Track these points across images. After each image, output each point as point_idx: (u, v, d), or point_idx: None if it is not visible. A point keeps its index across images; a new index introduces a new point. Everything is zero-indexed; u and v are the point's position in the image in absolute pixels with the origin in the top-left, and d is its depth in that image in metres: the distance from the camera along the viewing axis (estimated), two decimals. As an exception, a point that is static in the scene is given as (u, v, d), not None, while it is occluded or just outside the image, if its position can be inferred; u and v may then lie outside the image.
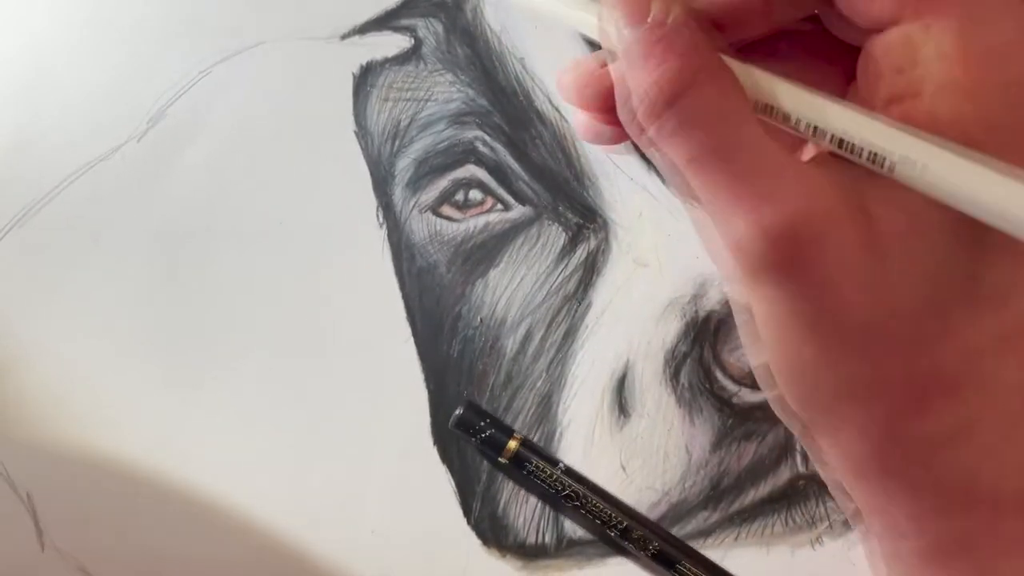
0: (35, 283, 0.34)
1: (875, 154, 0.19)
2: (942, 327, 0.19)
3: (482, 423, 0.31)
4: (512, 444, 0.30)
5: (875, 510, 0.22)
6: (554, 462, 0.31)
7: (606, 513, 0.30)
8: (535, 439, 0.31)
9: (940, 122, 0.19)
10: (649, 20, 0.21)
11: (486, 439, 0.31)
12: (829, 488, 0.24)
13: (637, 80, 0.21)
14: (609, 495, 0.31)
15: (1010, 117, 0.19)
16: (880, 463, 0.21)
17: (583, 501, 0.30)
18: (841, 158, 0.20)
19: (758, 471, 0.31)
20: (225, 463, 0.32)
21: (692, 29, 0.21)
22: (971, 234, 0.19)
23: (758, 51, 0.23)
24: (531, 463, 0.30)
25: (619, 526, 0.30)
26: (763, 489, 0.31)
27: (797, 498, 0.31)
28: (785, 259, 0.19)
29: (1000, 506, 0.20)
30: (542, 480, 0.30)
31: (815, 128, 0.20)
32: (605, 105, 0.25)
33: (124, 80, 0.35)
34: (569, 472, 0.31)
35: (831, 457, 0.22)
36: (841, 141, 0.20)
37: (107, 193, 0.34)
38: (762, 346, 0.21)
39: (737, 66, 0.21)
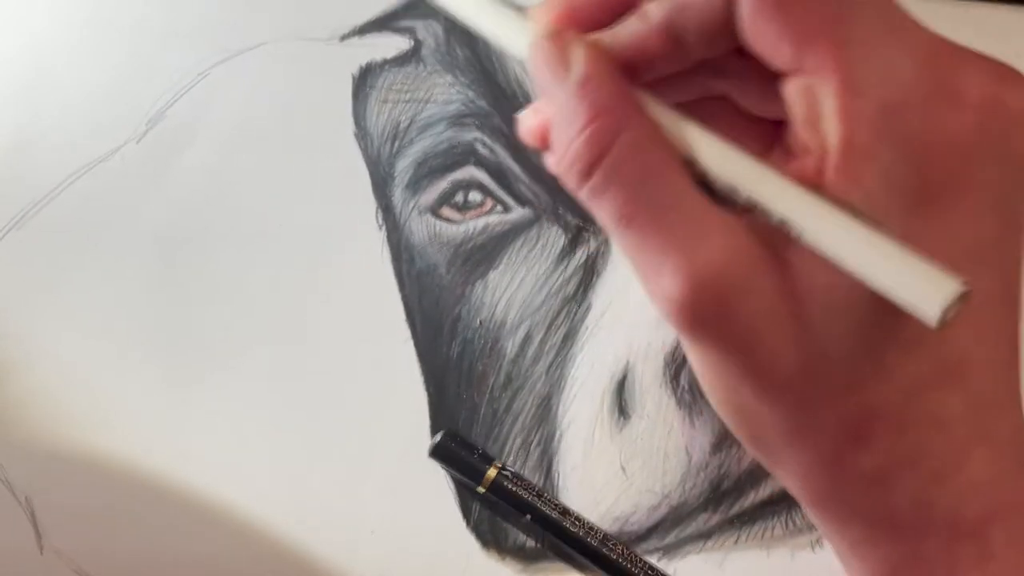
0: (35, 283, 0.34)
1: (783, 220, 0.19)
2: (875, 368, 0.19)
3: (462, 452, 0.31)
4: (491, 472, 0.30)
5: (830, 534, 0.22)
6: (532, 491, 0.31)
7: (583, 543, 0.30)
8: (534, 441, 0.31)
9: (847, 182, 0.19)
10: (568, 75, 0.21)
11: (465, 467, 0.31)
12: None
13: (561, 141, 0.21)
14: (583, 525, 0.30)
15: (913, 176, 0.19)
16: (830, 496, 0.21)
17: (559, 531, 0.30)
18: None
19: (758, 474, 0.31)
20: (225, 464, 0.32)
21: (609, 81, 0.21)
22: None
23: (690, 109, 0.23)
24: (509, 493, 0.30)
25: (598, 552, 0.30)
26: (763, 491, 0.31)
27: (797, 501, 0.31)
28: (709, 313, 0.19)
29: (956, 529, 0.20)
30: (520, 508, 0.30)
31: (731, 187, 0.20)
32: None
33: (124, 81, 0.35)
34: (547, 502, 0.30)
35: (787, 485, 0.22)
36: (752, 203, 0.19)
37: (106, 194, 0.34)
38: (708, 395, 0.22)
39: (662, 113, 0.20)
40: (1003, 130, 0.20)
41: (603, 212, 0.20)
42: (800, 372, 0.20)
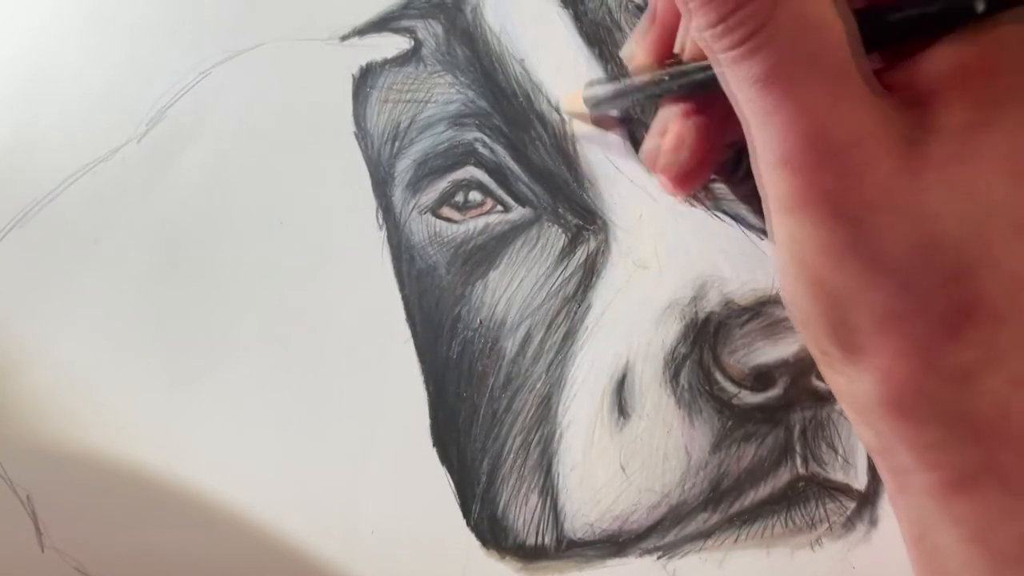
0: (35, 283, 0.34)
1: None
2: (984, 255, 0.19)
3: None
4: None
5: (896, 442, 0.21)
6: None
7: None
8: (534, 441, 0.31)
9: None
10: None
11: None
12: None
13: (712, 11, 0.21)
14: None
15: None
16: (912, 392, 0.20)
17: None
18: (895, 82, 0.20)
19: (758, 473, 0.31)
20: (225, 464, 0.32)
21: None
22: (1016, 160, 0.19)
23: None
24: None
25: None
26: (763, 491, 0.31)
27: (797, 500, 0.31)
28: (833, 179, 0.19)
29: None
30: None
31: None
32: (689, 178, 0.28)
33: (124, 80, 0.35)
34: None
35: (855, 389, 0.21)
36: None
37: (107, 194, 0.34)
38: (795, 275, 0.21)
39: None
40: None
41: (741, 74, 0.20)
42: (914, 251, 0.19)
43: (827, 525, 0.31)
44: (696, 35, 0.22)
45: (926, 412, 0.21)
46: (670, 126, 0.28)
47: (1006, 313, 0.20)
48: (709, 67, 0.25)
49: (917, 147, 0.20)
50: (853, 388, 0.22)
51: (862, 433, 0.23)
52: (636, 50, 0.29)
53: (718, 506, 0.31)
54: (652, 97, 0.30)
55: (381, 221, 0.33)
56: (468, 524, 0.31)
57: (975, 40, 0.20)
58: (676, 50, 0.28)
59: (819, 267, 0.21)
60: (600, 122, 0.33)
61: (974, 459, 0.20)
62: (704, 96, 0.27)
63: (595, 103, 0.32)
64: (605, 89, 0.31)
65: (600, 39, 0.35)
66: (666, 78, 0.28)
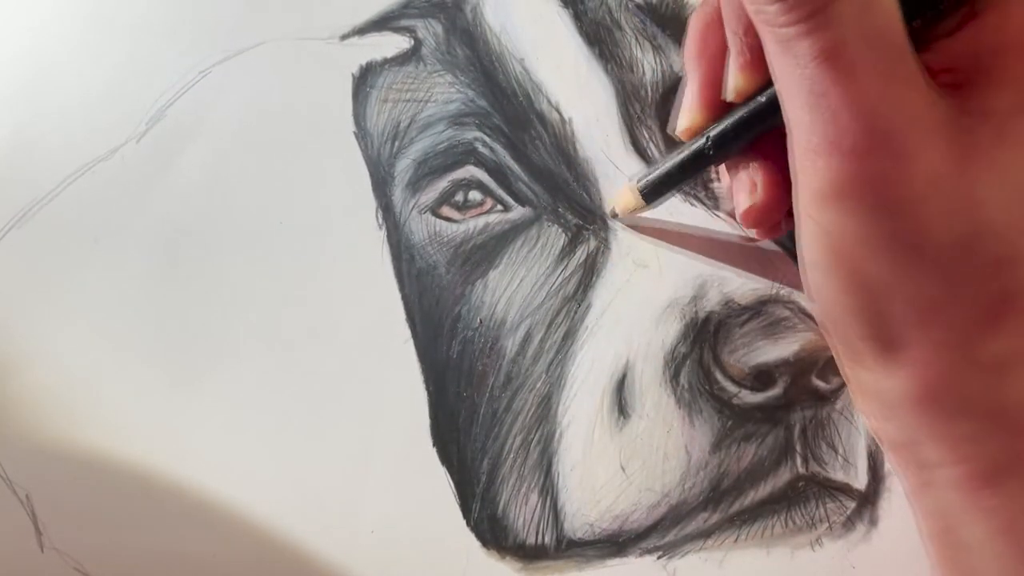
0: (35, 283, 0.34)
1: None
2: None
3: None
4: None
5: (928, 438, 0.21)
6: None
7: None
8: (534, 440, 0.31)
9: None
10: None
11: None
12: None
13: None
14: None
15: None
16: (948, 383, 0.20)
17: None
18: (937, 63, 0.20)
19: (758, 472, 0.31)
20: (224, 463, 0.32)
21: None
22: None
23: None
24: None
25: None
26: (763, 490, 0.31)
27: (797, 500, 0.31)
28: (877, 177, 0.19)
29: None
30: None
31: None
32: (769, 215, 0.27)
33: (124, 80, 0.35)
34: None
35: (883, 384, 0.21)
36: None
37: (107, 193, 0.34)
38: (829, 268, 0.21)
39: None
40: None
41: (801, 49, 0.20)
42: (958, 240, 0.19)
43: (827, 525, 0.31)
44: (756, 14, 0.21)
45: (959, 404, 0.20)
46: (737, 176, 0.28)
47: None
48: (756, 100, 0.25)
49: (964, 133, 0.19)
50: (880, 384, 0.21)
51: (883, 428, 0.23)
52: (687, 116, 0.29)
53: (718, 506, 0.31)
54: (711, 157, 0.29)
55: (381, 221, 0.33)
56: (468, 524, 0.31)
57: (1016, 13, 0.20)
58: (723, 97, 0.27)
59: (857, 258, 0.20)
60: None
61: (1006, 450, 0.20)
62: (761, 140, 0.27)
63: (652, 190, 0.30)
64: (660, 171, 0.30)
65: (600, 39, 0.35)
66: (725, 125, 0.27)
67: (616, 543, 0.31)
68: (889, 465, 0.24)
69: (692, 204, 0.33)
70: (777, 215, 0.27)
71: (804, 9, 0.20)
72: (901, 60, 0.20)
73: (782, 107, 0.22)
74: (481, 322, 0.32)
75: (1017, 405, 0.20)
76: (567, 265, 0.32)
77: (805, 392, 0.31)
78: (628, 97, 0.34)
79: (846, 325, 0.21)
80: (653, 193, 0.30)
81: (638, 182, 0.30)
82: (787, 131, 0.22)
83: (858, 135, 0.19)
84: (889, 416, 0.22)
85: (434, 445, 0.32)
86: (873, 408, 0.23)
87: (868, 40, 0.20)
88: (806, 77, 0.20)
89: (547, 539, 0.31)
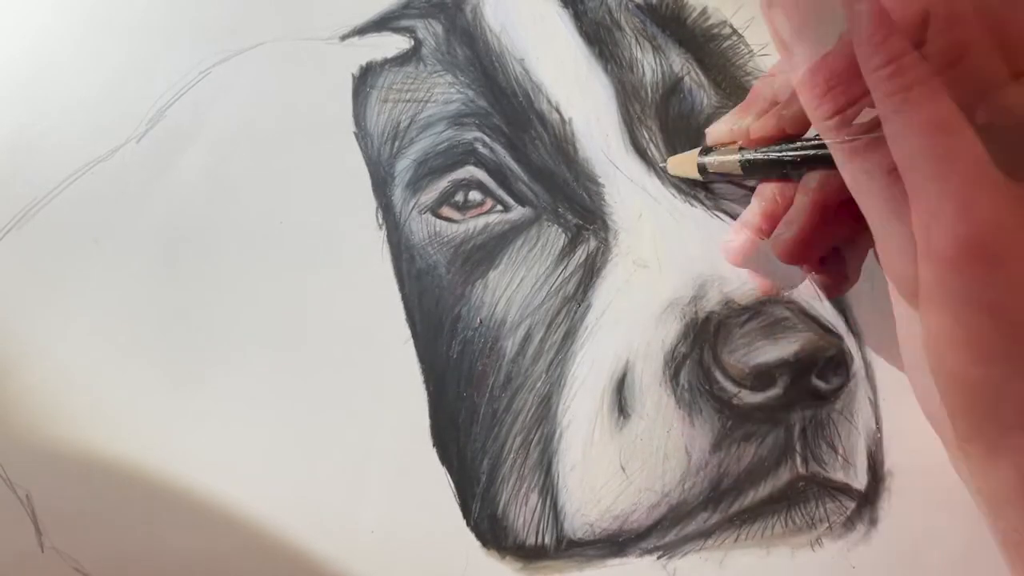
0: (35, 283, 0.34)
1: None
2: None
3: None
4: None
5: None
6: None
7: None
8: (534, 440, 0.31)
9: None
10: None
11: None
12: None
13: (889, 39, 0.21)
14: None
15: None
16: None
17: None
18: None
19: (758, 472, 0.31)
20: (225, 464, 0.32)
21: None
22: None
23: None
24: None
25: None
26: (763, 490, 0.31)
27: (797, 500, 0.31)
28: (979, 272, 0.19)
29: None
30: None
31: None
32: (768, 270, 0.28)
33: (124, 80, 0.35)
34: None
35: (992, 484, 0.21)
36: None
37: (107, 194, 0.34)
38: (932, 369, 0.21)
39: None
40: None
41: (906, 120, 0.20)
42: None
43: (827, 525, 0.31)
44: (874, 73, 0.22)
45: None
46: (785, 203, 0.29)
47: None
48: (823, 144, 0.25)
49: None
50: (990, 482, 0.21)
51: (994, 525, 0.22)
52: (759, 123, 0.29)
53: (718, 506, 0.31)
54: (768, 170, 0.30)
55: (381, 221, 0.33)
56: (468, 524, 0.31)
57: None
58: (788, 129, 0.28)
59: (959, 362, 0.20)
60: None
61: None
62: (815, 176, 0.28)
63: (710, 171, 0.32)
64: (723, 159, 0.31)
65: (600, 39, 0.35)
66: (796, 152, 0.28)
67: (616, 543, 0.31)
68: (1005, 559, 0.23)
69: (692, 204, 0.33)
70: (807, 251, 0.28)
71: (907, 77, 0.21)
72: (986, 165, 0.20)
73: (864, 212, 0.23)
74: (481, 322, 0.32)
75: None
76: (567, 265, 0.32)
77: (805, 392, 0.31)
78: (628, 97, 0.34)
79: (953, 424, 0.21)
80: (706, 174, 0.32)
81: (701, 155, 0.32)
82: (873, 233, 0.22)
83: (947, 243, 0.19)
84: (999, 514, 0.22)
85: (434, 445, 0.32)
86: (983, 505, 0.23)
87: (966, 123, 0.20)
88: (909, 155, 0.20)
89: (547, 539, 0.31)
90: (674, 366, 0.31)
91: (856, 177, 0.22)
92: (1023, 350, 0.19)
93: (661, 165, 0.33)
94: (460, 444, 0.32)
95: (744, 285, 0.31)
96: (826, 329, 0.31)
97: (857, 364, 0.31)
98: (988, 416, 0.21)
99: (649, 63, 0.34)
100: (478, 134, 0.34)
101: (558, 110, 0.34)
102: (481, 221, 0.33)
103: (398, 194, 0.33)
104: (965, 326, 0.20)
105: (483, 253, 0.33)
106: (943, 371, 0.21)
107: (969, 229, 0.19)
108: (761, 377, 0.30)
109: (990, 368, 0.20)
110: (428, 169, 0.33)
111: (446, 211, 0.33)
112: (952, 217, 0.19)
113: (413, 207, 0.33)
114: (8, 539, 0.31)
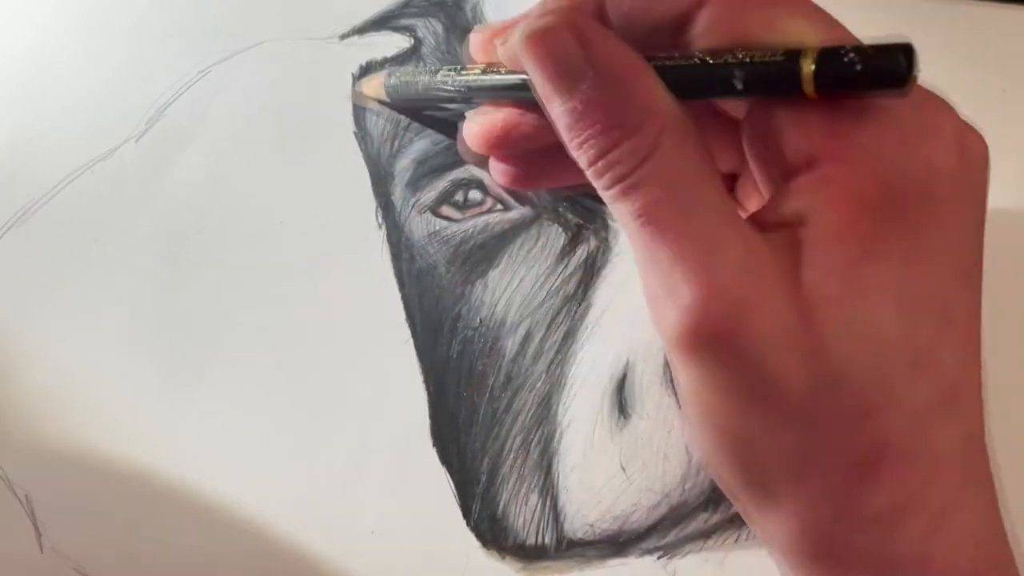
0: (34, 283, 0.34)
1: None
2: (885, 394, 0.19)
3: None
4: None
5: None
6: None
7: None
8: (534, 440, 0.31)
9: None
10: (597, 71, 0.20)
11: None
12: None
13: (591, 142, 0.20)
14: None
15: (906, 196, 0.19)
16: (832, 538, 0.20)
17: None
18: (769, 219, 0.20)
19: (758, 473, 0.31)
20: (224, 464, 0.32)
21: (645, 76, 0.20)
22: (905, 293, 0.19)
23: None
24: None
25: None
26: (763, 491, 0.31)
27: (798, 500, 0.31)
28: (721, 328, 0.19)
29: None
30: None
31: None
32: (516, 155, 0.27)
33: (124, 80, 0.35)
34: None
35: (769, 534, 0.21)
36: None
37: (106, 193, 0.34)
38: (696, 417, 0.21)
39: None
40: (972, 161, 0.20)
41: (624, 209, 0.20)
42: (813, 393, 0.19)
43: (828, 525, 0.31)
44: (585, 171, 0.21)
45: (846, 559, 0.20)
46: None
47: (915, 453, 0.19)
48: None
49: (806, 285, 0.19)
50: (769, 533, 0.21)
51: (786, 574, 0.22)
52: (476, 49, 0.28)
53: (719, 506, 0.31)
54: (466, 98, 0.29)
55: (381, 220, 0.33)
56: (468, 524, 0.31)
57: (833, 154, 0.19)
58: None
59: (719, 410, 0.20)
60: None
61: None
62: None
63: (397, 94, 0.31)
64: (414, 83, 0.30)
65: (600, 38, 0.35)
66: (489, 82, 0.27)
67: (616, 543, 0.31)
68: None
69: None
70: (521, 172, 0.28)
71: (617, 171, 0.20)
72: (727, 215, 0.20)
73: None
74: (481, 322, 0.32)
75: (906, 560, 0.19)
76: (567, 264, 0.32)
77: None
78: (628, 96, 0.34)
79: (723, 476, 0.21)
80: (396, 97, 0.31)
81: (389, 77, 0.31)
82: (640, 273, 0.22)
83: (692, 291, 0.19)
84: (786, 565, 0.21)
85: (434, 445, 0.32)
86: (773, 556, 0.22)
87: (688, 197, 0.20)
88: (634, 233, 0.20)
89: (547, 539, 0.31)
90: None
91: (620, 221, 0.21)
92: (777, 399, 0.19)
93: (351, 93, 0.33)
94: (460, 444, 0.32)
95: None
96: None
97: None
98: (755, 467, 0.20)
99: (649, 62, 0.34)
100: (478, 133, 0.33)
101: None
102: (481, 220, 0.33)
103: (398, 193, 0.33)
104: (717, 374, 0.19)
105: (483, 252, 0.33)
106: (706, 422, 0.20)
107: (709, 278, 0.19)
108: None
109: (747, 419, 0.19)
110: (428, 168, 0.33)
111: (446, 210, 0.33)
112: (691, 265, 0.19)
113: (413, 206, 0.33)
114: (8, 539, 0.31)
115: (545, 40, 0.20)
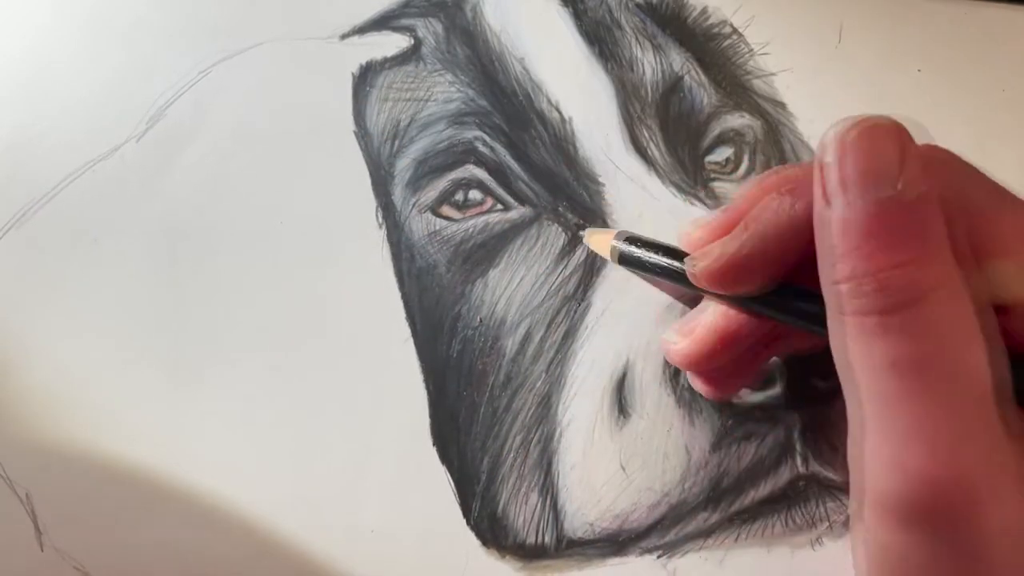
0: (34, 283, 0.34)
1: None
2: None
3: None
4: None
5: None
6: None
7: None
8: (534, 439, 0.31)
9: None
10: (897, 189, 0.18)
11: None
12: None
13: (877, 252, 0.18)
14: None
15: None
16: None
17: None
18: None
19: (758, 472, 0.31)
20: (224, 463, 0.32)
21: (937, 216, 0.18)
22: None
23: None
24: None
25: None
26: (763, 490, 0.31)
27: (797, 499, 0.31)
28: (947, 507, 0.18)
29: None
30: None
31: None
32: (721, 377, 0.27)
33: (124, 80, 0.35)
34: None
35: None
36: None
37: (107, 193, 0.34)
38: None
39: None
40: None
41: (874, 347, 0.18)
42: None
43: (827, 524, 0.31)
44: (828, 281, 0.19)
45: None
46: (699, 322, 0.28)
47: None
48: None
49: None
50: None
51: None
52: (699, 233, 0.27)
53: (718, 505, 0.31)
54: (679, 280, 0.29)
55: (381, 220, 0.33)
56: (468, 523, 0.31)
57: None
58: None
59: None
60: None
61: None
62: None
63: (626, 260, 0.31)
64: (640, 254, 0.30)
65: (600, 38, 0.35)
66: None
67: (616, 542, 0.31)
68: None
69: (692, 204, 0.33)
70: (707, 364, 0.28)
71: (883, 298, 0.18)
72: (984, 404, 0.18)
73: (845, 386, 0.21)
74: (481, 321, 0.32)
75: None
76: (567, 264, 0.32)
77: (805, 391, 0.30)
78: (628, 96, 0.34)
79: None
80: (625, 261, 0.31)
81: (622, 241, 0.31)
82: (849, 416, 0.21)
83: (928, 468, 0.18)
84: None
85: (434, 444, 0.32)
86: None
87: (951, 363, 0.18)
88: (871, 376, 0.19)
89: (547, 538, 0.31)
90: (674, 366, 0.31)
91: (855, 352, 0.19)
92: None
93: (580, 234, 0.32)
94: (460, 443, 0.32)
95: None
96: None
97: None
98: None
99: (649, 62, 0.34)
100: (478, 133, 0.34)
101: (558, 109, 0.34)
102: (481, 220, 0.33)
103: (398, 193, 0.33)
104: (929, 552, 0.19)
105: (483, 252, 0.33)
106: None
107: (949, 461, 0.18)
108: (760, 376, 0.30)
109: None
110: (428, 168, 0.33)
111: (446, 210, 0.33)
112: (935, 442, 0.18)
113: (413, 206, 0.33)
114: (8, 539, 0.31)
115: (873, 132, 0.19)
